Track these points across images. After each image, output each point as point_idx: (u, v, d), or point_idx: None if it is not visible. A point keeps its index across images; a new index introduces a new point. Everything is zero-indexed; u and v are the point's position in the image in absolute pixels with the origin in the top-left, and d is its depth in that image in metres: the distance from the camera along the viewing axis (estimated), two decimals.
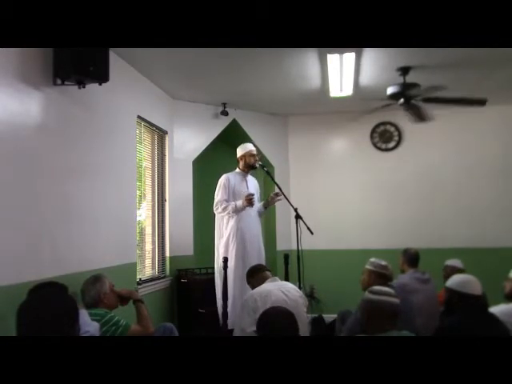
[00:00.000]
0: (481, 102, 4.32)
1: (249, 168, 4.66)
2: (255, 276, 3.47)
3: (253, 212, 4.62)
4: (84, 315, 2.32)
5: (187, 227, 5.28)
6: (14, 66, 2.58)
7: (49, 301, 1.74)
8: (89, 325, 2.33)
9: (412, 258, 3.78)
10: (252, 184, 4.75)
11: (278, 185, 4.54)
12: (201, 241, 5.46)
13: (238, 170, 4.72)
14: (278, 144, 6.02)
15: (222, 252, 4.55)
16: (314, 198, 5.93)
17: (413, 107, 4.42)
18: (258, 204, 4.68)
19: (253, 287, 3.39)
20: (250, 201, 4.42)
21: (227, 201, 4.56)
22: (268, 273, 3.50)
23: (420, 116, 4.59)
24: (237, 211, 4.51)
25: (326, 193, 6.00)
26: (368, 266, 3.48)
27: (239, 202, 4.49)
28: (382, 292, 2.30)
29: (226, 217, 4.58)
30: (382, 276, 3.42)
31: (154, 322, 2.96)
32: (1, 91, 2.47)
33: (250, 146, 4.70)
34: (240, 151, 4.68)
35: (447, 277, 3.87)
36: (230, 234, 4.55)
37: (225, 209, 4.52)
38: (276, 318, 2.12)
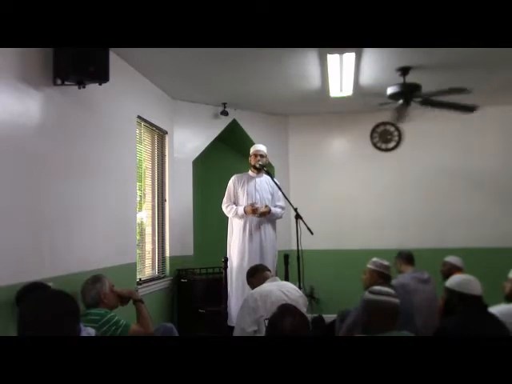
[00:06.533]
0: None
1: (254, 168, 4.67)
2: (255, 276, 3.47)
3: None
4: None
5: (187, 227, 5.28)
6: (14, 66, 2.58)
7: (50, 301, 1.73)
8: (83, 330, 2.31)
9: (407, 256, 3.84)
10: (262, 185, 4.68)
11: (278, 185, 4.55)
12: (201, 241, 5.47)
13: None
14: (278, 144, 6.01)
15: (231, 249, 4.61)
16: (314, 198, 5.92)
17: (436, 104, 4.40)
18: (270, 206, 4.61)
19: (253, 287, 3.39)
20: (253, 211, 4.45)
21: (231, 202, 4.66)
22: (268, 273, 3.50)
23: (459, 108, 4.50)
24: (239, 217, 4.55)
25: (325, 193, 6.00)
26: (370, 266, 3.50)
27: (240, 209, 4.52)
28: (382, 292, 2.29)
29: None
30: (383, 276, 3.43)
31: (154, 322, 2.96)
32: (1, 91, 2.47)
33: (256, 147, 4.72)
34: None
35: (445, 273, 3.97)
36: (235, 233, 4.61)
37: (229, 211, 4.63)
38: (288, 316, 2.03)
